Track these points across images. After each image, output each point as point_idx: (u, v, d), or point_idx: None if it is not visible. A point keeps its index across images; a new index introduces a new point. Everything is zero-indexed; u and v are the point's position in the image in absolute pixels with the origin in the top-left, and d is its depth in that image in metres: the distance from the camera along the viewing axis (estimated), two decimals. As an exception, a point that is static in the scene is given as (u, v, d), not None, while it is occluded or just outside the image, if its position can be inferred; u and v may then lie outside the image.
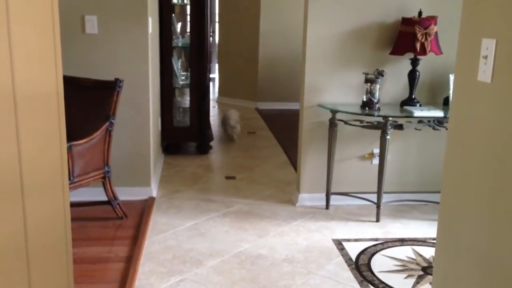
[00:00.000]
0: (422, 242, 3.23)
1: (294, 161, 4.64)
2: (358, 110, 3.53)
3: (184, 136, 5.15)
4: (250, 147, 5.52)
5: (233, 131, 5.75)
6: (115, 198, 3.43)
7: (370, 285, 2.72)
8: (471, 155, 1.51)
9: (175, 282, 2.69)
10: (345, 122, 3.59)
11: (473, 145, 1.50)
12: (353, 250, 3.11)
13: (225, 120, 5.81)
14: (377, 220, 3.55)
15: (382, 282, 2.74)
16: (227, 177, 4.48)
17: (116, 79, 3.24)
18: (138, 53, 3.62)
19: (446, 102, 3.63)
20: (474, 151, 1.50)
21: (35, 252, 1.48)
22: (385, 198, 3.65)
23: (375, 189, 3.57)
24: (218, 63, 8.03)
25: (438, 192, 1.81)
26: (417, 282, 2.75)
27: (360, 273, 2.84)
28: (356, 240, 3.26)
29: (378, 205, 3.55)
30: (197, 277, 2.75)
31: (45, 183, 1.58)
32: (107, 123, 3.25)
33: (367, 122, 3.57)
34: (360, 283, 2.74)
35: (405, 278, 2.79)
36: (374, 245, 3.18)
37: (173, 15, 4.90)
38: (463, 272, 1.54)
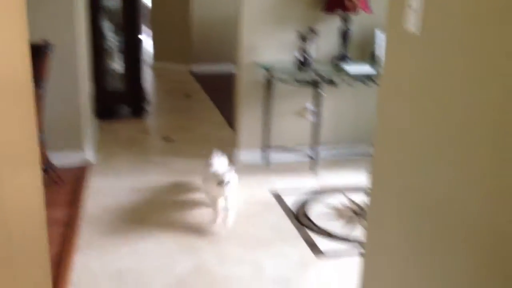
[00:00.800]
0: (355, 190, 3.41)
1: (230, 122, 4.69)
2: (293, 67, 3.60)
3: (118, 100, 5.04)
4: (186, 110, 5.49)
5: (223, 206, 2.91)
6: (50, 164, 3.35)
7: (308, 231, 2.86)
8: (400, 107, 1.59)
9: (119, 241, 2.71)
10: (281, 80, 3.66)
11: (402, 97, 1.58)
12: (292, 201, 3.24)
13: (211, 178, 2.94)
14: (314, 173, 3.70)
15: (319, 228, 2.90)
16: (165, 139, 4.46)
17: (45, 41, 3.10)
18: (65, 13, 3.47)
19: (372, 56, 3.78)
20: (403, 103, 1.57)
21: (14, 222, 1.47)
22: (322, 152, 3.80)
23: (312, 144, 3.70)
24: (151, 27, 7.79)
25: (371, 144, 1.89)
26: (351, 225, 2.93)
27: (299, 221, 2.98)
28: (294, 191, 3.38)
29: (314, 159, 3.70)
30: (140, 233, 2.78)
31: (19, 161, 1.57)
32: (36, 89, 3.12)
33: (302, 79, 3.66)
34: (298, 229, 2.88)
35: (340, 222, 2.96)
36: (311, 195, 3.33)
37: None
38: (393, 213, 1.67)
